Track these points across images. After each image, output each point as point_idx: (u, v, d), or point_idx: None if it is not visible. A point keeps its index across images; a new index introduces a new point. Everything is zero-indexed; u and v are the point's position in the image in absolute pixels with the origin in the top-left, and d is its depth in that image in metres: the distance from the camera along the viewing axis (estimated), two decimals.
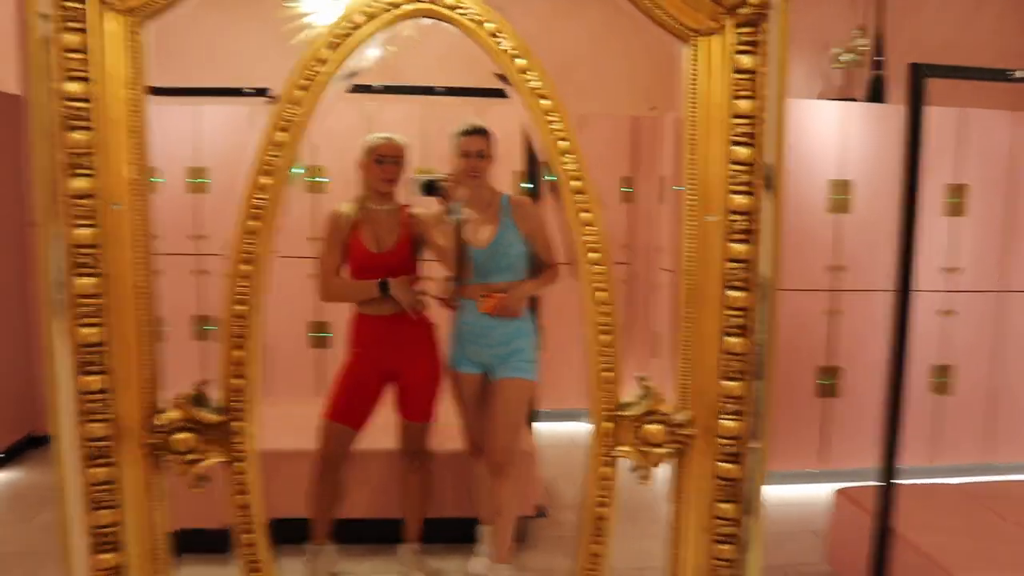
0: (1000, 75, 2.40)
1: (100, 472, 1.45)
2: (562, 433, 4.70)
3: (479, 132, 2.75)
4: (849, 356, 4.11)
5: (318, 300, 2.97)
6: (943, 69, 2.44)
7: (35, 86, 1.36)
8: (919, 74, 2.40)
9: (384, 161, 2.74)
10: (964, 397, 4.21)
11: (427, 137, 4.61)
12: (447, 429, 3.36)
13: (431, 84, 3.73)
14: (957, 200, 4.07)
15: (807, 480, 4.08)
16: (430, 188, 2.66)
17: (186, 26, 4.16)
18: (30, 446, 4.39)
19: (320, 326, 4.66)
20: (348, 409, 2.82)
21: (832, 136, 3.96)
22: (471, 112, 4.49)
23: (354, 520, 3.09)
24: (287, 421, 3.33)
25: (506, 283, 2.78)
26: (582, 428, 4.79)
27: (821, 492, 3.73)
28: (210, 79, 4.18)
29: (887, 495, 2.60)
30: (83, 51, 1.34)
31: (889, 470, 2.58)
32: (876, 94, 4.17)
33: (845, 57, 4.17)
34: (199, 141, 4.55)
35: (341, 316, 2.92)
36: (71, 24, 1.34)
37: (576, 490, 3.80)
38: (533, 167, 3.85)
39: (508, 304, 2.74)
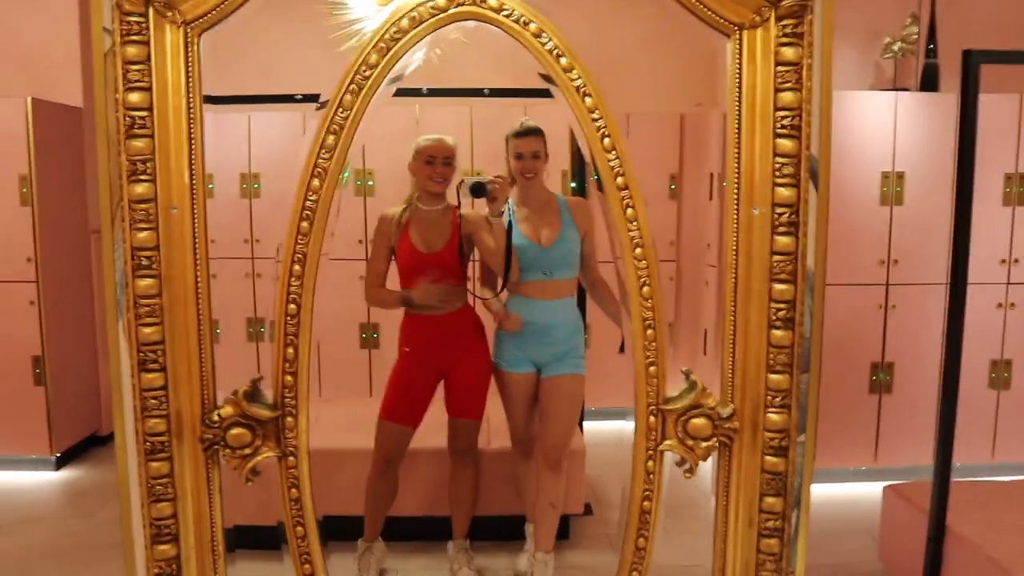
0: None
1: (159, 466, 1.51)
2: (608, 431, 4.70)
3: (533, 133, 2.77)
4: (902, 351, 4.03)
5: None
6: (997, 55, 2.39)
7: (99, 96, 1.43)
8: (973, 61, 2.35)
9: (434, 162, 2.76)
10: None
11: (475, 139, 4.66)
12: (493, 427, 3.40)
13: (478, 86, 3.77)
14: (1017, 189, 3.96)
15: (862, 478, 4.01)
16: (478, 190, 2.68)
17: (237, 35, 4.26)
18: (94, 444, 4.55)
19: (371, 327, 4.73)
20: (402, 408, 2.85)
21: (884, 127, 3.88)
22: (518, 112, 4.54)
23: (402, 517, 3.13)
24: (339, 420, 3.39)
25: (566, 280, 2.82)
26: (628, 426, 4.81)
27: (875, 490, 3.67)
28: (261, 87, 4.29)
29: (942, 491, 2.55)
30: (143, 62, 1.40)
31: (944, 466, 2.54)
32: (929, 83, 4.07)
33: (897, 46, 4.09)
34: (251, 148, 4.66)
35: (389, 317, 2.97)
36: (132, 37, 1.40)
37: (620, 489, 3.83)
38: (580, 166, 3.87)
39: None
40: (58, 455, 4.21)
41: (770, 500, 1.60)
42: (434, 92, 3.74)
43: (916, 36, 4.10)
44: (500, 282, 2.82)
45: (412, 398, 2.86)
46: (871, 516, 3.38)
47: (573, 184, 3.58)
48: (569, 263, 2.83)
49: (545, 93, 3.89)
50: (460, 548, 3.02)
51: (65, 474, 4.20)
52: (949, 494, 2.56)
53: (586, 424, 3.68)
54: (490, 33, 1.56)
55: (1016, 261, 3.99)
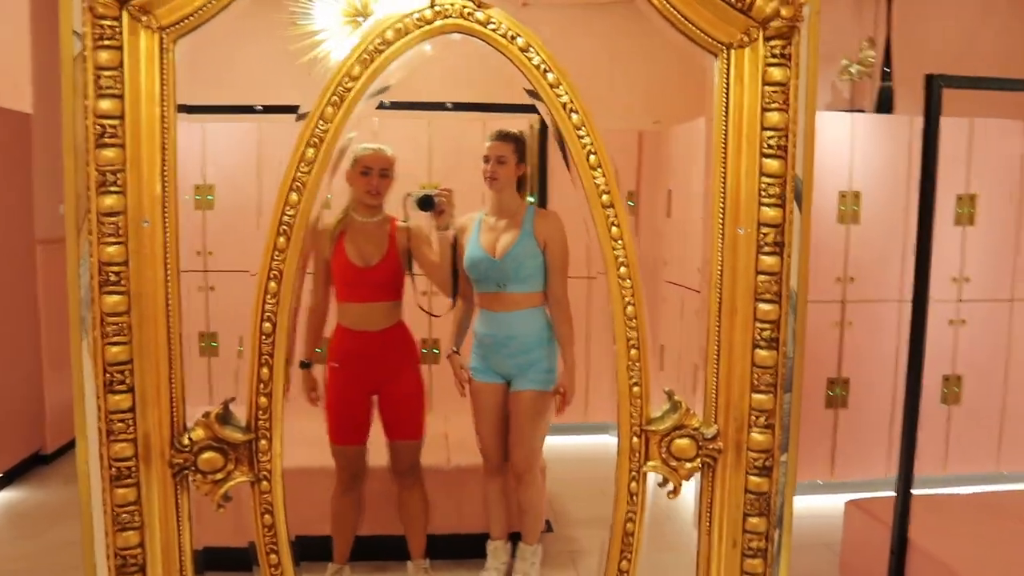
0: (1017, 85, 2.41)
1: (125, 492, 1.44)
2: (566, 447, 4.68)
3: (503, 138, 2.74)
4: (858, 367, 4.11)
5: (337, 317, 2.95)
6: (959, 80, 2.45)
7: (67, 103, 1.36)
8: (935, 85, 2.41)
9: (370, 173, 2.67)
10: (973, 407, 4.20)
11: (433, 152, 4.62)
12: (452, 444, 3.35)
13: (440, 100, 3.74)
14: (967, 210, 4.07)
15: (819, 492, 4.06)
16: (426, 203, 2.60)
17: (198, 45, 4.16)
18: (37, 464, 4.36)
19: None
20: (344, 429, 2.78)
21: (841, 147, 3.96)
22: (478, 127, 4.52)
23: (366, 537, 3.06)
24: (310, 437, 3.31)
25: (524, 293, 2.78)
26: (587, 442, 4.80)
27: (831, 503, 3.71)
28: (216, 96, 4.19)
29: (905, 505, 2.59)
30: (116, 68, 1.34)
31: (907, 480, 2.58)
32: (885, 105, 4.18)
33: (854, 69, 4.18)
34: (205, 159, 4.55)
35: None
36: (105, 42, 1.33)
37: (582, 505, 3.82)
38: (541, 179, 3.86)
39: (571, 394, 2.82)
40: None
41: (753, 520, 1.59)
42: (396, 105, 3.70)
43: (873, 59, 4.20)
44: (449, 297, 2.77)
45: (350, 417, 2.77)
46: (830, 529, 3.42)
47: (531, 198, 3.57)
48: (522, 276, 2.76)
49: (510, 108, 3.87)
50: (419, 568, 2.96)
51: (7, 495, 4.01)
52: (910, 507, 2.60)
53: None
54: (455, 46, 1.53)
55: (967, 279, 4.10)
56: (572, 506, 3.85)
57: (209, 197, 4.52)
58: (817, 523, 3.71)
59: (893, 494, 2.62)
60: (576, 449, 4.72)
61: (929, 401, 4.07)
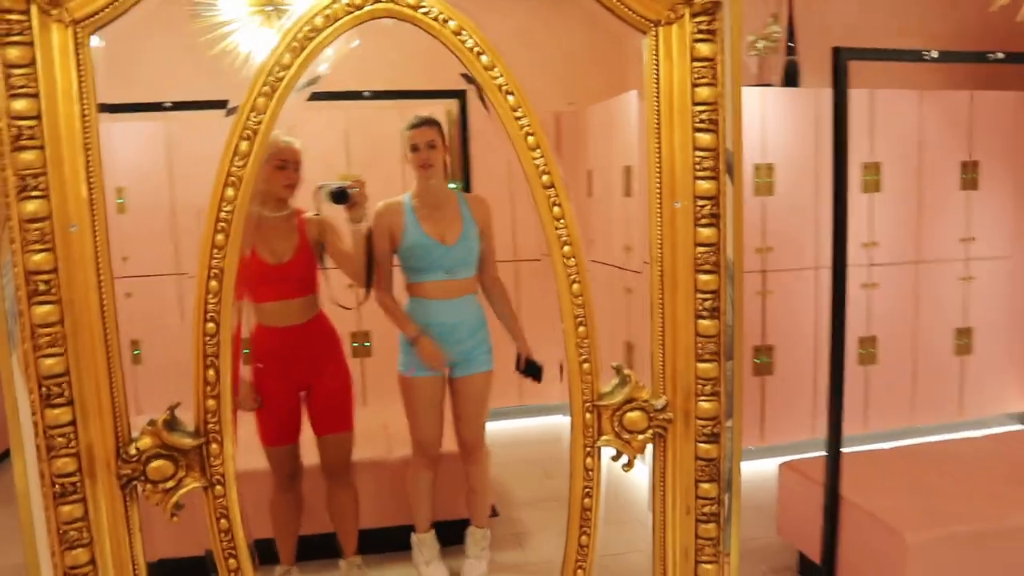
0: (916, 56, 2.53)
1: (71, 509, 1.37)
2: (505, 431, 4.71)
3: (427, 123, 2.72)
4: (780, 334, 4.26)
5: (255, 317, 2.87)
6: (864, 52, 2.56)
7: None
8: (842, 58, 2.50)
9: (286, 166, 2.60)
10: (887, 366, 4.41)
11: (351, 144, 4.55)
12: (392, 434, 3.33)
13: (357, 89, 3.68)
14: (873, 177, 4.26)
15: (751, 457, 4.20)
16: (340, 196, 2.56)
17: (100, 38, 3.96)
18: None
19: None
20: (274, 429, 2.73)
21: (753, 121, 4.08)
22: (393, 115, 4.47)
23: (308, 536, 3.02)
24: (250, 439, 3.23)
25: (467, 279, 2.81)
26: (524, 424, 4.83)
27: (765, 467, 3.84)
28: (123, 95, 4.01)
29: (835, 463, 2.70)
30: (28, 66, 1.27)
31: (836, 439, 2.69)
32: (791, 79, 4.32)
33: (760, 44, 4.31)
34: (113, 160, 4.36)
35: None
36: (14, 38, 1.26)
37: (525, 487, 3.85)
38: (464, 164, 3.86)
39: (528, 353, 2.86)
40: None
41: (705, 486, 1.64)
42: (314, 96, 3.62)
43: (778, 35, 4.33)
44: (364, 290, 2.74)
45: (280, 417, 2.72)
46: (763, 492, 3.54)
47: (452, 185, 3.56)
48: (469, 261, 2.81)
49: (423, 95, 3.83)
50: (352, 565, 2.93)
51: None
52: (841, 465, 2.72)
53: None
54: (373, 34, 1.51)
55: (876, 244, 4.29)
56: (516, 489, 3.88)
57: (119, 200, 4.34)
58: (750, 487, 3.81)
59: (823, 454, 2.74)
60: (515, 432, 4.76)
61: (848, 363, 4.26)
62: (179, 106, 3.33)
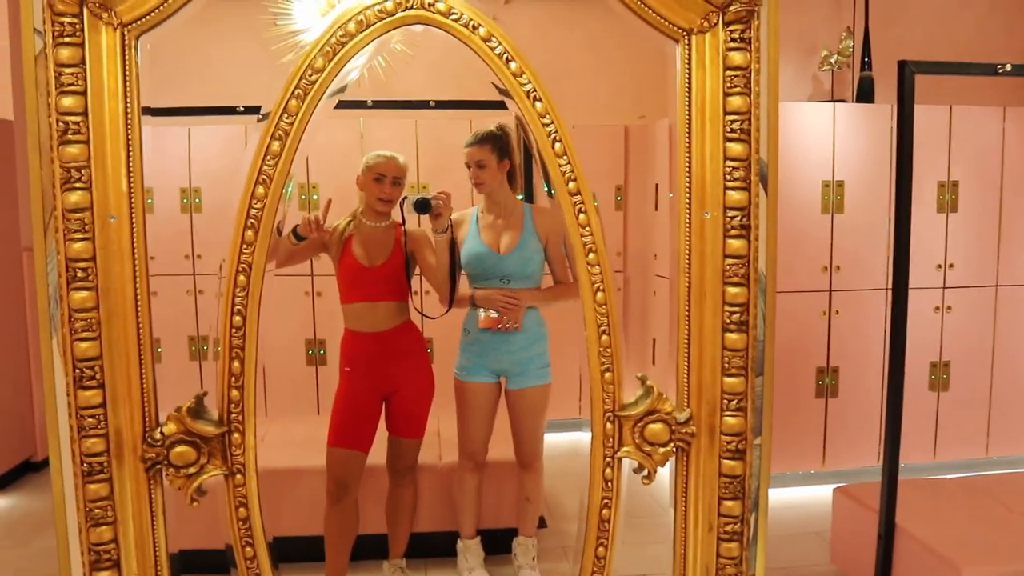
0: (989, 69, 2.42)
1: (98, 488, 1.44)
2: (563, 443, 4.69)
3: (480, 141, 2.74)
4: (846, 356, 4.12)
5: (316, 317, 2.94)
6: (931, 65, 2.46)
7: (30, 101, 1.36)
8: (908, 71, 2.42)
9: (383, 180, 2.67)
10: (961, 393, 4.21)
11: (421, 152, 4.63)
12: (444, 441, 3.35)
13: (423, 98, 3.75)
14: (950, 197, 4.08)
15: (811, 482, 4.07)
16: (422, 206, 2.61)
17: (178, 46, 4.17)
18: (28, 471, 4.36)
19: (318, 343, 4.65)
20: (350, 432, 2.73)
21: (823, 137, 3.97)
22: (464, 125, 4.53)
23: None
24: (287, 439, 3.30)
25: (526, 290, 2.80)
26: (583, 437, 4.81)
27: (824, 493, 3.72)
28: (202, 99, 4.19)
29: (891, 491, 2.60)
30: (77, 65, 1.34)
31: (893, 466, 2.58)
32: (865, 94, 4.19)
33: (834, 59, 4.19)
34: (192, 162, 4.55)
35: (337, 334, 2.88)
36: (66, 39, 1.34)
37: (576, 500, 3.82)
38: (527, 174, 3.87)
39: (510, 318, 2.75)
40: None
41: (729, 504, 1.60)
42: (379, 104, 3.71)
43: (852, 49, 4.21)
44: (447, 300, 2.78)
45: (359, 421, 2.74)
46: (821, 519, 3.42)
47: (521, 196, 3.58)
48: (527, 272, 2.80)
49: (493, 104, 3.88)
50: (396, 568, 2.95)
51: None
52: (897, 493, 2.61)
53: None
54: (436, 43, 1.54)
55: (951, 266, 4.11)
56: (567, 502, 3.86)
57: (197, 200, 4.52)
58: (810, 512, 3.71)
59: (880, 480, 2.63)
60: (572, 445, 4.73)
61: (918, 388, 4.09)
62: (250, 110, 3.45)
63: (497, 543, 3.14)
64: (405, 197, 2.65)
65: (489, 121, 2.83)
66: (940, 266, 4.10)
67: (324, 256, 2.82)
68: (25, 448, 4.37)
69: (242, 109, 3.61)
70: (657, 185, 4.76)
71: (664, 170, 4.63)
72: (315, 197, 4.58)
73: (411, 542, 2.99)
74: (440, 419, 3.50)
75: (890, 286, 3.98)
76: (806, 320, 4.04)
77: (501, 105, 3.73)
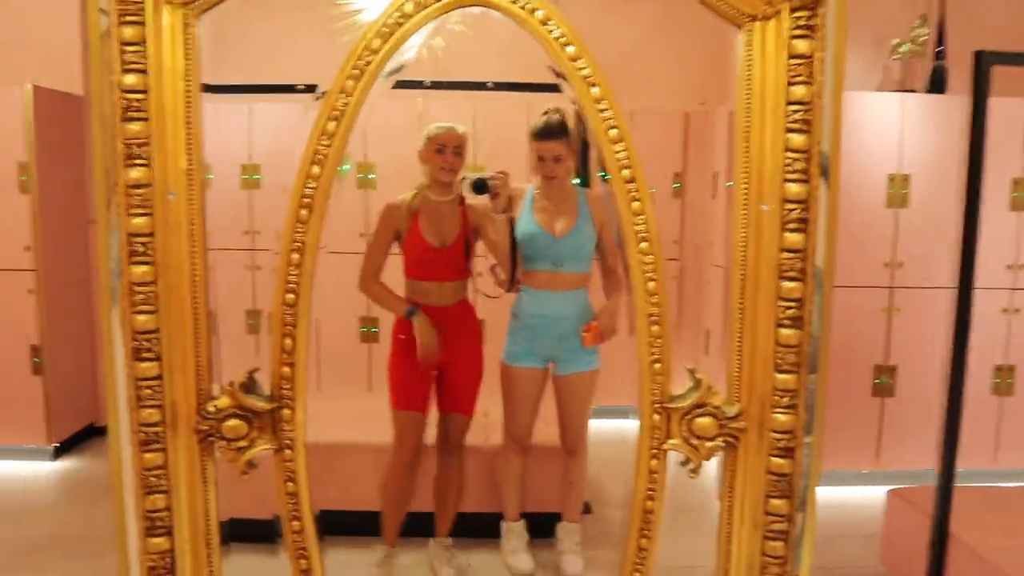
0: None
1: (153, 457, 1.48)
2: (608, 430, 4.67)
3: (555, 135, 2.71)
4: (906, 355, 4.01)
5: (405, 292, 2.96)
6: (1009, 56, 2.36)
7: (95, 78, 1.40)
8: (984, 62, 2.32)
9: (444, 150, 2.69)
10: None
11: (479, 133, 4.63)
12: (492, 422, 3.37)
13: (479, 79, 3.74)
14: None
15: (863, 481, 3.99)
16: (480, 187, 2.64)
17: (237, 24, 4.23)
18: (92, 435, 4.52)
19: (371, 320, 4.70)
20: (409, 394, 2.80)
21: (891, 129, 3.86)
22: (522, 107, 4.51)
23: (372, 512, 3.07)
24: (337, 414, 3.36)
25: (577, 274, 2.79)
26: (628, 425, 4.77)
27: (877, 493, 3.64)
28: (261, 76, 4.24)
29: (945, 496, 2.52)
30: (140, 44, 1.37)
31: (948, 471, 2.51)
32: (937, 85, 4.04)
33: (905, 48, 4.05)
34: (251, 138, 4.63)
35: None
36: (129, 18, 1.36)
37: (621, 488, 3.81)
38: (583, 159, 3.84)
39: (606, 331, 2.76)
40: (56, 445, 4.19)
41: (775, 502, 1.57)
42: (437, 85, 3.72)
43: (925, 37, 4.06)
44: (508, 279, 2.80)
45: (413, 385, 2.80)
46: (873, 519, 3.36)
47: (577, 180, 3.55)
48: (580, 256, 2.80)
49: (550, 88, 3.85)
50: (442, 546, 2.98)
51: (63, 464, 4.17)
52: (952, 499, 2.54)
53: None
54: (494, 25, 1.53)
55: (1023, 266, 3.96)
56: (612, 488, 3.85)
57: (255, 176, 4.60)
58: (861, 513, 3.64)
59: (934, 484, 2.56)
60: (618, 432, 4.71)
61: (980, 391, 3.96)
62: (308, 89, 3.49)
63: (541, 527, 3.15)
64: (463, 177, 2.67)
65: (546, 103, 2.81)
66: (1011, 267, 3.95)
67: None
68: (90, 412, 4.53)
69: (301, 87, 3.66)
70: (716, 173, 4.68)
71: (723, 158, 4.55)
72: (371, 176, 4.62)
73: (457, 522, 3.02)
74: (488, 400, 3.52)
75: (956, 285, 3.86)
76: (865, 317, 3.95)
77: (557, 88, 3.69)
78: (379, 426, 2.89)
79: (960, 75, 4.04)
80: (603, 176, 1.60)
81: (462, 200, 2.80)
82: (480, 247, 2.87)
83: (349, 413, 3.35)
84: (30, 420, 4.13)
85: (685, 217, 4.98)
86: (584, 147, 3.91)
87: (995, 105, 2.39)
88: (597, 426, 4.43)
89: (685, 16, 4.83)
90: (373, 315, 4.68)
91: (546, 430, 3.04)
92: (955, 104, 3.85)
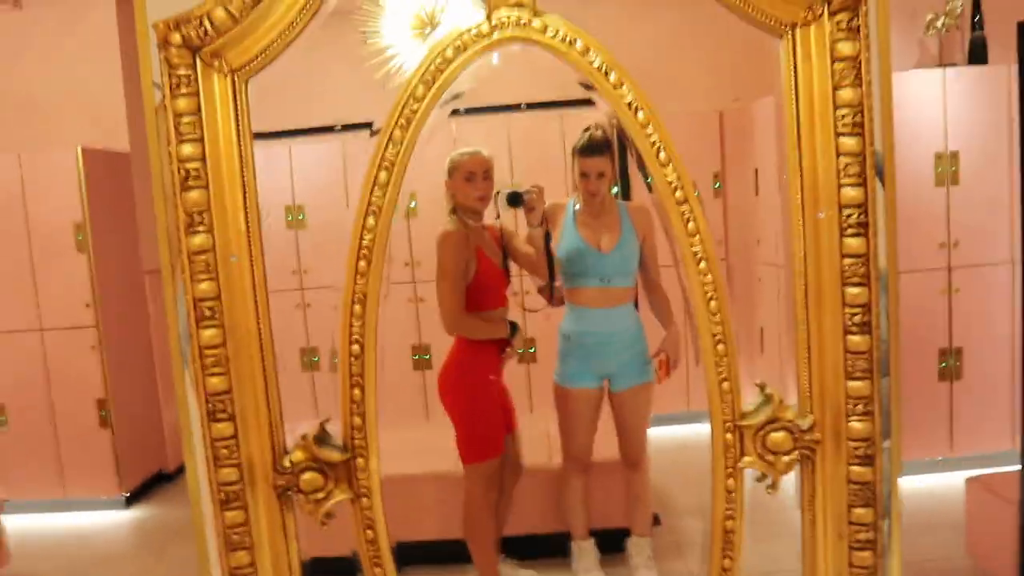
0: None
1: (234, 515, 1.51)
2: (667, 437, 4.62)
3: (599, 152, 2.69)
4: (970, 336, 3.91)
5: (419, 323, 3.00)
6: None
7: (153, 151, 1.44)
8: None
9: (474, 178, 2.62)
10: None
11: (514, 154, 4.65)
12: (553, 442, 3.37)
13: (514, 101, 3.76)
14: None
15: (939, 469, 3.89)
16: (515, 200, 2.63)
17: (278, 73, 4.30)
18: (160, 481, 4.62)
19: (423, 348, 4.73)
20: (500, 437, 2.83)
21: (933, 106, 3.78)
22: (555, 125, 4.51)
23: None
24: (397, 447, 3.37)
25: (625, 288, 2.79)
26: (691, 431, 4.73)
27: (952, 480, 3.55)
28: (298, 119, 4.32)
29: None
30: (194, 114, 1.41)
31: None
32: (978, 56, 3.94)
33: (941, 21, 3.96)
34: (294, 179, 4.71)
35: (444, 339, 2.92)
36: (181, 90, 1.40)
37: (687, 496, 3.77)
38: (623, 169, 3.83)
39: (674, 363, 2.78)
40: (127, 494, 4.28)
41: (859, 511, 1.54)
42: (471, 111, 3.74)
43: (960, 9, 3.97)
44: (547, 292, 2.79)
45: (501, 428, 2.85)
46: (953, 508, 3.27)
47: (616, 189, 3.54)
48: (627, 270, 2.79)
49: (582, 103, 3.84)
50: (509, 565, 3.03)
51: (135, 513, 4.27)
52: None
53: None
54: (523, 49, 1.53)
55: None
56: (678, 497, 3.81)
57: (301, 217, 4.67)
58: (939, 502, 3.55)
59: (1016, 468, 2.49)
60: (679, 439, 4.66)
61: None
62: (348, 128, 3.54)
63: (612, 543, 3.13)
64: (498, 192, 2.64)
65: (579, 118, 2.81)
66: None
67: (424, 262, 2.87)
68: (157, 460, 4.63)
69: (339, 127, 3.72)
70: (756, 169, 4.63)
71: (763, 154, 4.50)
72: (413, 204, 4.65)
73: (527, 544, 3.04)
74: (550, 421, 3.52)
75: (1018, 259, 3.76)
76: (924, 300, 3.86)
77: (589, 102, 3.68)
78: (440, 455, 2.99)
79: (1001, 44, 3.95)
80: (646, 181, 1.59)
81: (490, 224, 2.77)
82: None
83: (408, 444, 3.36)
84: (101, 471, 4.24)
85: (728, 216, 4.93)
86: (623, 160, 3.91)
87: None
88: (654, 434, 4.40)
89: (707, 15, 4.80)
90: (425, 342, 4.71)
91: (605, 445, 3.02)
92: (999, 74, 3.76)
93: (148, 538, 3.94)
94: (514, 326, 2.72)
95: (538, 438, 3.49)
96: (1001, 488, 2.74)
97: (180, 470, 4.75)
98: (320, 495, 1.50)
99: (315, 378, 4.33)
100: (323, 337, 4.44)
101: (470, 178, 2.62)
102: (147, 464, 4.54)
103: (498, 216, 2.72)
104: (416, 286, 4.60)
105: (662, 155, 1.47)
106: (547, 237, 2.74)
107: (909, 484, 3.76)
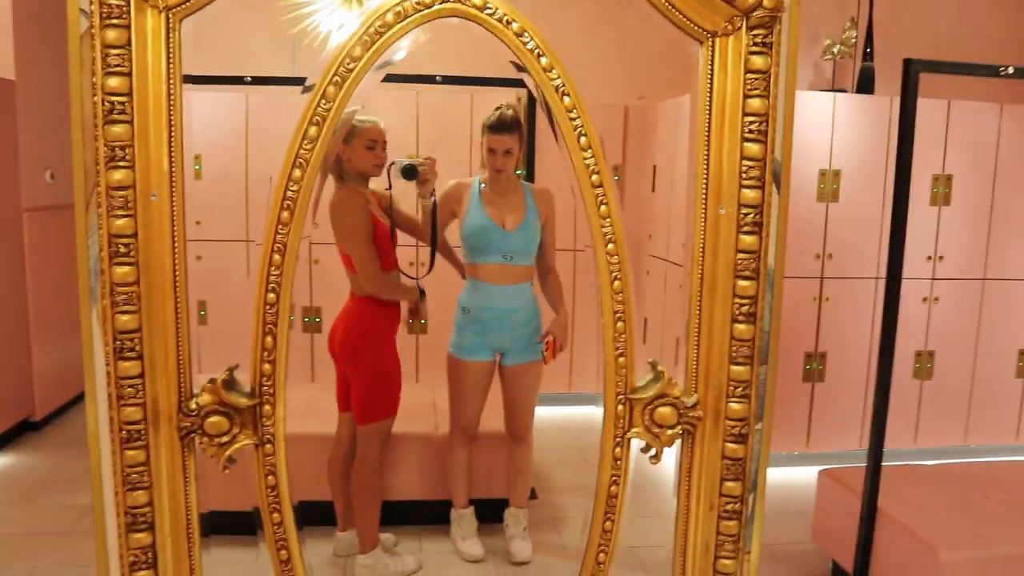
0: (991, 71, 2.48)
1: (135, 454, 1.50)
2: (552, 417, 4.78)
3: (509, 129, 2.77)
4: (834, 342, 4.22)
5: (312, 285, 2.96)
6: (936, 64, 2.52)
7: (74, 80, 1.41)
8: (913, 69, 2.48)
9: (375, 146, 2.67)
10: (943, 382, 4.33)
11: (421, 125, 4.66)
12: (440, 412, 3.44)
13: (428, 72, 3.76)
14: (943, 190, 4.17)
15: (795, 463, 4.19)
16: (410, 172, 2.66)
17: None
18: (26, 430, 4.40)
19: (314, 311, 4.69)
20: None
21: (822, 126, 4.04)
22: (465, 99, 4.55)
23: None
24: (291, 406, 3.37)
25: (525, 267, 2.89)
26: (571, 412, 4.91)
27: (807, 474, 3.84)
28: (205, 67, 4.17)
29: (875, 474, 2.70)
30: (124, 47, 1.39)
31: (877, 450, 2.69)
32: (865, 85, 4.25)
33: (836, 49, 4.24)
34: (192, 128, 4.54)
35: (335, 301, 2.92)
36: (112, 21, 1.38)
37: (565, 473, 3.93)
38: (529, 154, 3.92)
39: (563, 343, 2.84)
40: None
41: (730, 485, 1.69)
42: (387, 78, 3.72)
43: (855, 40, 4.27)
44: (430, 261, 2.83)
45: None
46: (803, 498, 3.54)
47: (520, 172, 3.63)
48: (529, 249, 2.88)
49: (493, 81, 3.89)
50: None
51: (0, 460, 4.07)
52: (880, 477, 2.71)
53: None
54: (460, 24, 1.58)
55: (941, 258, 4.21)
56: (556, 474, 3.96)
57: (196, 167, 4.53)
58: (792, 492, 3.83)
59: (864, 464, 2.73)
60: (560, 419, 4.83)
61: (902, 375, 4.20)
62: (258, 80, 3.47)
63: (489, 512, 3.24)
64: (392, 162, 2.67)
65: (487, 98, 2.85)
66: (930, 258, 4.20)
67: (321, 223, 2.83)
68: (24, 408, 4.41)
69: (249, 79, 3.63)
70: (655, 166, 4.82)
71: (663, 152, 4.69)
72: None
73: (407, 510, 3.10)
74: (436, 391, 3.59)
75: (881, 275, 4.08)
76: (797, 306, 4.14)
77: (507, 83, 3.71)
78: (322, 417, 3.04)
79: (886, 76, 4.28)
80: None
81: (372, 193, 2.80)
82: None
83: (301, 404, 3.36)
84: None
85: (625, 209, 5.11)
86: (530, 142, 4.00)
87: (920, 106, 2.55)
88: (538, 412, 4.54)
89: (631, 12, 4.95)
90: (316, 305, 4.67)
91: (491, 419, 3.11)
92: (882, 104, 4.06)
93: (15, 486, 3.76)
94: (422, 291, 2.79)
95: (424, 407, 3.56)
96: (848, 481, 2.99)
97: (48, 419, 4.54)
98: (224, 439, 1.52)
99: (202, 332, 4.22)
100: (213, 291, 4.32)
101: (371, 146, 2.67)
102: (12, 411, 4.31)
103: (390, 187, 2.72)
104: (311, 247, 4.56)
105: (583, 140, 1.56)
106: (434, 207, 2.77)
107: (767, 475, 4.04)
